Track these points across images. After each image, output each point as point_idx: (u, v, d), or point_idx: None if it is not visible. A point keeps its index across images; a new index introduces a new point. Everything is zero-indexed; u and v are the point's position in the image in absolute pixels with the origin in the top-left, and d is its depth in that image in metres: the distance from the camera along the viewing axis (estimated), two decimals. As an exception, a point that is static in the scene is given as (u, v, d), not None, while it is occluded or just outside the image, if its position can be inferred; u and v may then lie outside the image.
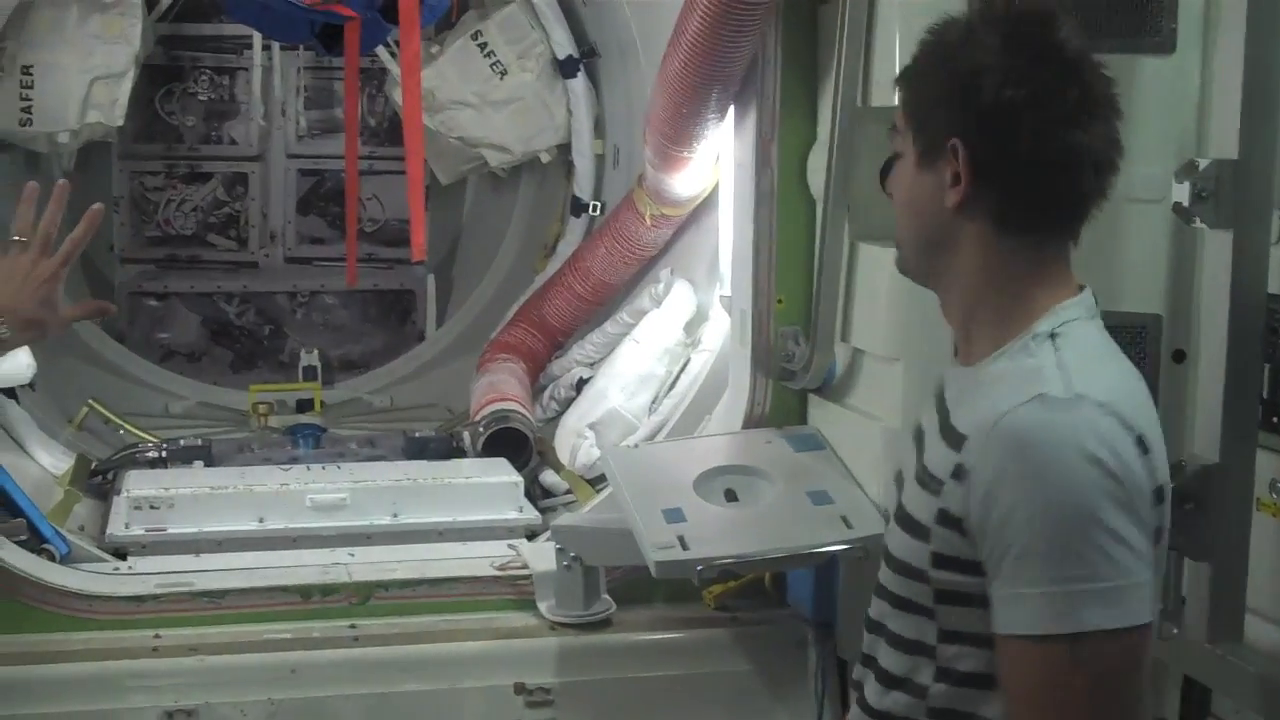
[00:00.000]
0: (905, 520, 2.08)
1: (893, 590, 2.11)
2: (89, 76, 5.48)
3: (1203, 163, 2.62)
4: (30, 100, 5.43)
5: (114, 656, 3.41)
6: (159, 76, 6.87)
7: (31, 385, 4.89)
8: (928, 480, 2.04)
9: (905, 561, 2.08)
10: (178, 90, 7.01)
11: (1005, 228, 2.04)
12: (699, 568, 3.16)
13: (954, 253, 2.09)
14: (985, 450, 1.95)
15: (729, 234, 3.99)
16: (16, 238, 2.76)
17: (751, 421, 3.68)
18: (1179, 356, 3.06)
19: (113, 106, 5.54)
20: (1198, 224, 2.66)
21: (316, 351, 6.37)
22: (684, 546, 3.16)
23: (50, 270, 2.76)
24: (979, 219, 2.05)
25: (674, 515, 3.25)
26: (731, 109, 3.76)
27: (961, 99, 2.02)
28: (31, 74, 5.43)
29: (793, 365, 3.56)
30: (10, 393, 4.76)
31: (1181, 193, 2.92)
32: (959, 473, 1.98)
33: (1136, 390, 2.03)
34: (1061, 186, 2.03)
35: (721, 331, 4.36)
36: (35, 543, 3.68)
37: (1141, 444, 1.94)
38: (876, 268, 3.34)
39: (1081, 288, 2.09)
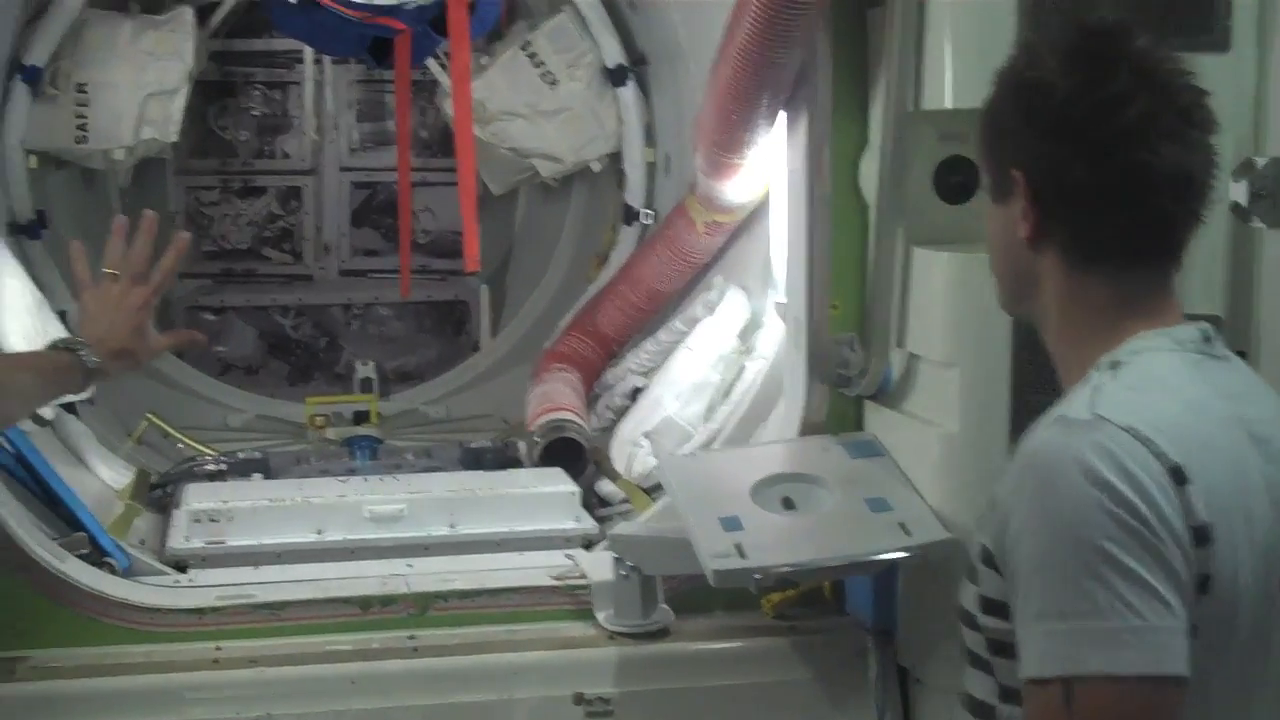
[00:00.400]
0: (968, 566, 2.00)
1: (965, 644, 2.01)
2: (143, 93, 5.53)
3: (1260, 161, 2.61)
4: (85, 118, 5.48)
5: (175, 669, 3.43)
6: (212, 92, 6.92)
7: (90, 400, 4.92)
8: (983, 519, 1.95)
9: (964, 608, 1.98)
10: (230, 105, 7.07)
11: (1077, 259, 1.95)
12: (757, 576, 3.15)
13: (1038, 287, 2.01)
14: (1008, 476, 1.87)
15: (782, 240, 3.98)
16: (107, 270, 2.82)
17: (808, 428, 3.67)
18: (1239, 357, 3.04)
19: (166, 123, 5.59)
20: (1256, 223, 2.64)
21: (372, 363, 6.39)
22: (741, 555, 3.15)
23: (141, 300, 2.83)
24: (1052, 251, 1.97)
25: (731, 523, 3.24)
26: (782, 114, 3.75)
27: (1020, 125, 1.95)
28: (86, 91, 5.48)
29: (848, 371, 3.54)
30: (70, 408, 4.79)
31: (1239, 192, 2.90)
32: (993, 502, 1.90)
33: (1198, 424, 1.87)
34: (1129, 212, 1.92)
35: (776, 338, 4.35)
36: (97, 556, 3.71)
37: (1177, 476, 1.78)
38: (931, 272, 3.33)
39: (1192, 318, 1.97)
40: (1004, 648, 1.88)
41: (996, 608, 1.89)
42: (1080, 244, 1.95)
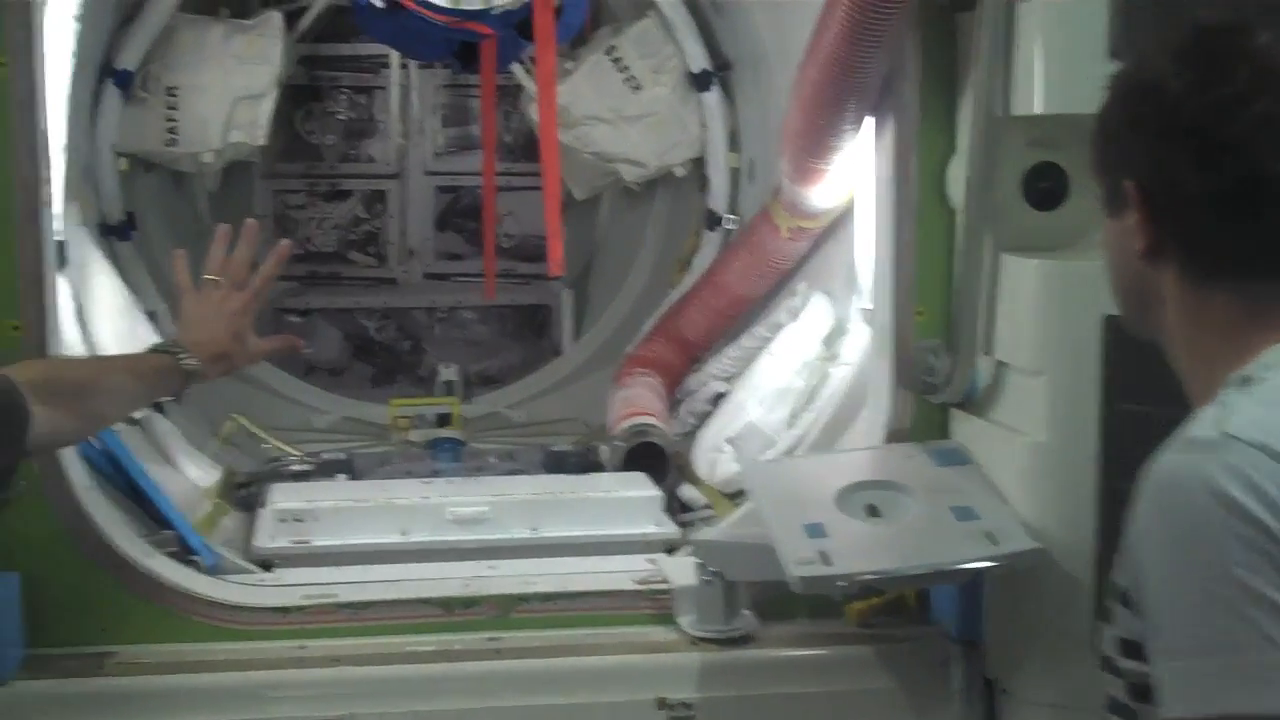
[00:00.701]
0: (1103, 609, 1.89)
1: (1107, 692, 1.88)
2: (231, 97, 5.57)
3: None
4: (175, 121, 5.53)
5: (259, 666, 3.46)
6: (299, 96, 6.97)
7: (178, 399, 4.97)
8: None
9: (1104, 653, 1.87)
10: (317, 110, 7.11)
11: (1197, 273, 1.84)
12: (841, 584, 3.14)
13: (1159, 304, 1.89)
14: (1134, 506, 1.75)
15: (867, 246, 3.96)
16: (208, 275, 2.88)
17: (893, 436, 3.65)
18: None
19: (254, 126, 5.63)
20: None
21: (455, 366, 6.41)
22: (826, 562, 3.13)
23: (240, 305, 2.89)
24: (1171, 266, 1.85)
25: (815, 530, 3.22)
26: (869, 120, 3.73)
27: (1129, 131, 1.85)
28: (176, 95, 5.53)
29: (934, 378, 3.52)
30: (158, 406, 4.84)
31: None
32: (1125, 536, 1.78)
33: None
34: (1249, 222, 1.78)
35: (861, 345, 4.33)
36: (184, 554, 3.75)
37: None
38: (1020, 279, 3.30)
39: None
40: (1146, 692, 1.75)
41: (1131, 648, 1.78)
42: (1199, 257, 1.84)
